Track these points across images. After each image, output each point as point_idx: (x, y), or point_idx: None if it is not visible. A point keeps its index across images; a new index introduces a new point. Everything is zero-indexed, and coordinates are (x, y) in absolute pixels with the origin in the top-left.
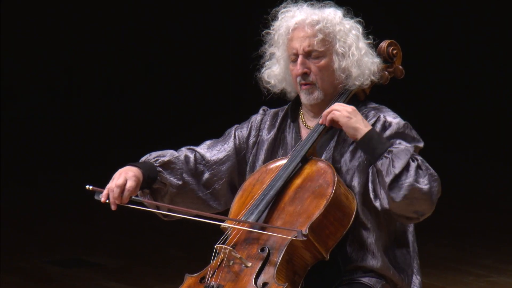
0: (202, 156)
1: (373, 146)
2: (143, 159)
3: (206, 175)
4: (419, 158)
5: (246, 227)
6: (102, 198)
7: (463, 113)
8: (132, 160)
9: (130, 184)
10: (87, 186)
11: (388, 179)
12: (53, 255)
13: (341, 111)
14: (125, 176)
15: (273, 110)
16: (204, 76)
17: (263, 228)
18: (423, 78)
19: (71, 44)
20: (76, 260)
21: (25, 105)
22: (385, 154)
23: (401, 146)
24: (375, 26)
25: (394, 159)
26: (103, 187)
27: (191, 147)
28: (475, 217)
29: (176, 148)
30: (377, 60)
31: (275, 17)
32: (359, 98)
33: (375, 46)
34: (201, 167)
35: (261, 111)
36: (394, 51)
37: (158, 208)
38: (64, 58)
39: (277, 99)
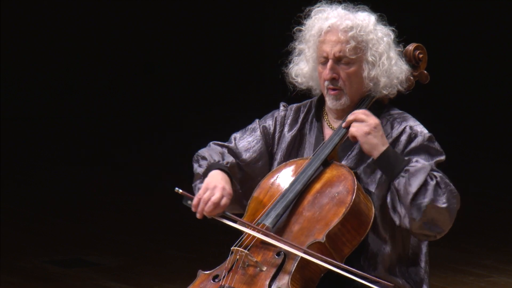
0: (237, 155)
1: (390, 165)
2: (214, 160)
3: (242, 173)
4: (438, 175)
5: (262, 233)
6: (193, 208)
7: (464, 114)
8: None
9: (224, 202)
10: (176, 189)
11: (407, 200)
12: (53, 255)
13: (360, 126)
14: (222, 193)
15: (295, 106)
16: (204, 76)
17: (277, 238)
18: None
19: (71, 44)
20: (76, 260)
21: (25, 105)
22: (402, 174)
23: (418, 164)
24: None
25: (411, 178)
26: (106, 186)
27: (223, 143)
28: (475, 217)
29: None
30: (405, 67)
31: (307, 15)
32: (383, 102)
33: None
34: (239, 167)
35: (282, 107)
36: (420, 55)
37: (246, 226)
38: (64, 58)
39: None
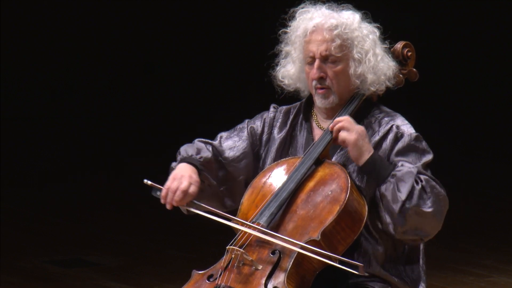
0: (220, 153)
1: (376, 171)
2: (187, 154)
3: (224, 172)
4: (423, 178)
5: (257, 230)
6: (162, 199)
7: (464, 113)
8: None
9: (193, 189)
10: (145, 181)
11: (396, 207)
12: (53, 255)
13: (348, 135)
14: (190, 181)
15: (284, 108)
16: (204, 76)
17: (273, 235)
18: (424, 78)
19: (71, 44)
20: (76, 260)
21: (25, 105)
22: (389, 178)
23: (404, 168)
24: (383, 25)
25: (399, 183)
26: (106, 188)
27: (207, 140)
28: (475, 217)
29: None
30: (392, 64)
31: (292, 16)
32: (372, 99)
33: (389, 47)
34: (219, 164)
35: (272, 109)
36: (409, 53)
37: (217, 215)
38: (64, 58)
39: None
